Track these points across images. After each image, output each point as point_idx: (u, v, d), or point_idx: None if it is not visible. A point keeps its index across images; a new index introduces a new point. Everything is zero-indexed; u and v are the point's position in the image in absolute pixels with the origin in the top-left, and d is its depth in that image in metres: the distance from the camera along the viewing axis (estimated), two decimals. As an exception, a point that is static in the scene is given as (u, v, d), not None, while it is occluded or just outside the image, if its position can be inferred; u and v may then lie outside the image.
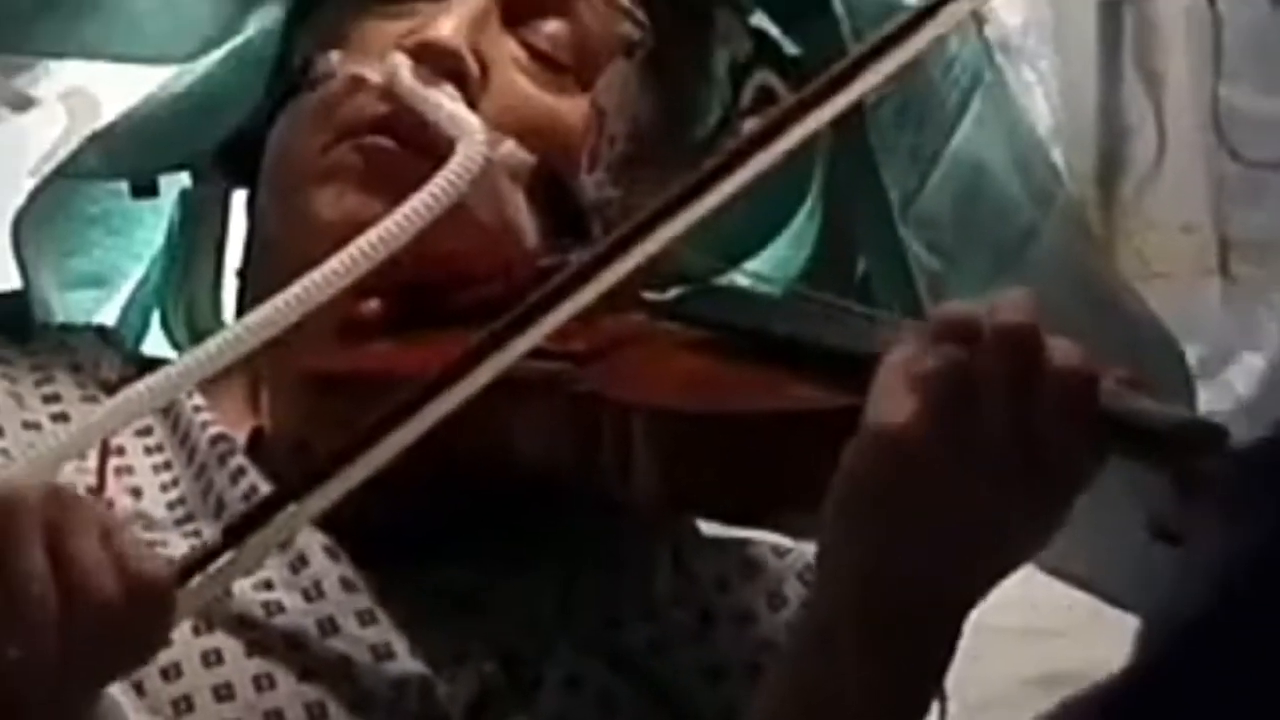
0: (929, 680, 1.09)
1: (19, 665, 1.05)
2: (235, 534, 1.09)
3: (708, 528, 1.39)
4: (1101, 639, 1.28)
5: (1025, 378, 1.03)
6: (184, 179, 1.44)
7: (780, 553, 1.34)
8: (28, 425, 1.28)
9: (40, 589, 1.01)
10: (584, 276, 1.15)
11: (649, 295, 1.30)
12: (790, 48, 1.41)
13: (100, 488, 1.25)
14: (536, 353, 1.15)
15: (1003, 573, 1.09)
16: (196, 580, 1.08)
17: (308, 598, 1.21)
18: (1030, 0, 1.72)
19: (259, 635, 1.20)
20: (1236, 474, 1.01)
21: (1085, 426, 1.04)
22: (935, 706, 1.13)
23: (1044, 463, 1.03)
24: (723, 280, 1.38)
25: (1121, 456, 1.10)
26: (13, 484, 1.12)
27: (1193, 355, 1.58)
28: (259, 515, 1.11)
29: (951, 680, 1.25)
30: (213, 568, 1.08)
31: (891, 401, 1.05)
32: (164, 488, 1.26)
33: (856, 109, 1.29)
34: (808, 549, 1.34)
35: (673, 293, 1.32)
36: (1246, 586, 0.71)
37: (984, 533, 1.06)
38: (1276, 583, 0.70)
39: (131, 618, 1.02)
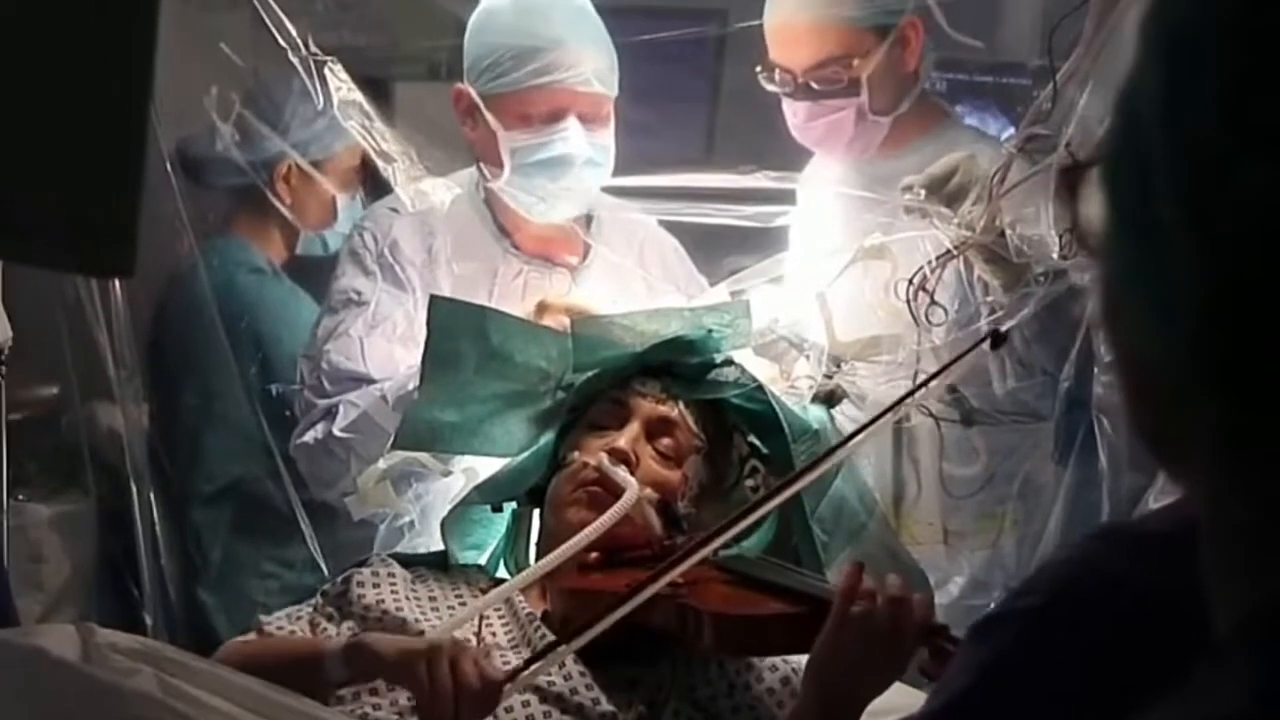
0: None
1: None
2: (538, 656, 1.58)
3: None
4: (894, 695, 1.61)
5: (902, 617, 1.53)
6: (513, 504, 1.90)
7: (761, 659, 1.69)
8: (449, 607, 1.75)
9: (447, 684, 1.48)
10: (685, 556, 1.64)
11: (713, 559, 1.71)
12: (763, 449, 1.90)
13: (479, 634, 1.69)
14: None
15: (880, 692, 1.53)
16: (525, 673, 1.54)
17: (565, 679, 1.65)
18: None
19: (543, 695, 1.62)
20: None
21: (919, 637, 1.53)
22: None
23: (904, 648, 1.54)
24: (736, 552, 1.75)
25: None
26: (438, 636, 1.55)
27: (932, 579, 1.98)
28: (548, 649, 1.56)
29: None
30: (531, 669, 1.55)
31: (835, 623, 1.51)
32: (506, 634, 1.72)
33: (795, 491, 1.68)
34: (774, 659, 1.75)
35: (721, 557, 1.73)
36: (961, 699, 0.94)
37: (876, 678, 1.56)
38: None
39: (483, 696, 1.50)
